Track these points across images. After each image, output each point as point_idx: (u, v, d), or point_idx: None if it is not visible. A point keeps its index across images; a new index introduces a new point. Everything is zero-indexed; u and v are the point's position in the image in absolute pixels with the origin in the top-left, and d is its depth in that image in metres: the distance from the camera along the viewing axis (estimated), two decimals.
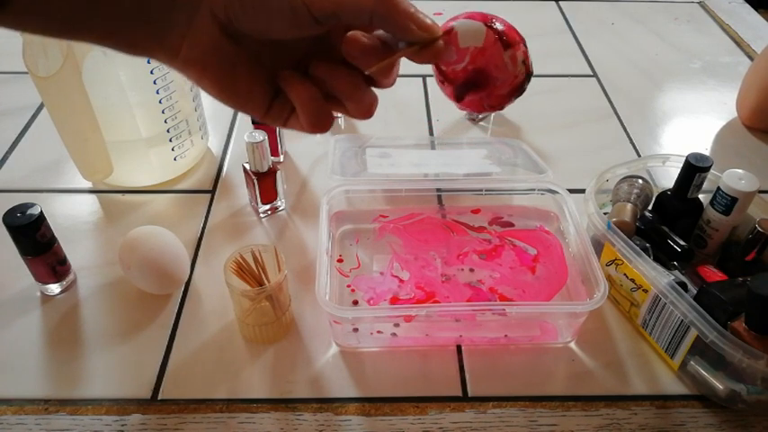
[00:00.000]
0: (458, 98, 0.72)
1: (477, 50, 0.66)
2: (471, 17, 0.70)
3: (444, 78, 0.72)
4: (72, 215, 0.68)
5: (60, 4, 0.31)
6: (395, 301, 0.58)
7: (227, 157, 0.77)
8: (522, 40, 0.71)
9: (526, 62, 0.71)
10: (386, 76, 0.35)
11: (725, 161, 0.78)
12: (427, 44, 0.33)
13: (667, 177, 0.70)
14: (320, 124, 0.36)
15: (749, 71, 0.84)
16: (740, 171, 0.57)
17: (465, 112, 0.83)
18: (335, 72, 0.35)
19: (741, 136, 0.84)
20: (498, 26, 0.69)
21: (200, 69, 0.34)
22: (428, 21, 0.33)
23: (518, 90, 0.72)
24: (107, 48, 0.33)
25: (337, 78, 0.35)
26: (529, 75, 0.73)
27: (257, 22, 0.32)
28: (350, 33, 0.34)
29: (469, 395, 0.52)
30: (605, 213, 0.62)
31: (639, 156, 0.79)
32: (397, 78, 0.38)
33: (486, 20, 0.69)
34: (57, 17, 0.31)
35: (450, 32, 0.33)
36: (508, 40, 0.69)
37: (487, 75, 0.68)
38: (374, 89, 0.36)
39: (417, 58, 0.34)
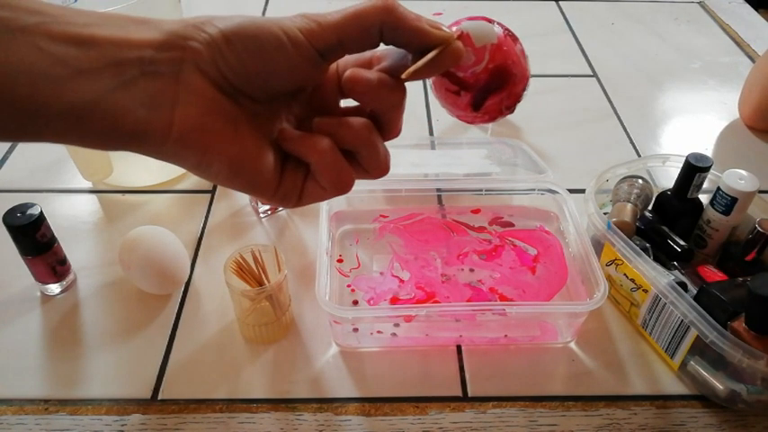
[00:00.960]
0: (477, 105, 0.69)
1: (494, 47, 0.64)
2: (472, 19, 0.69)
3: (462, 86, 0.68)
4: (72, 215, 0.68)
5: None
6: (395, 301, 0.58)
7: None
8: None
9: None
10: (390, 125, 0.32)
11: (726, 161, 0.78)
12: (446, 46, 0.30)
13: (667, 177, 0.70)
14: (342, 180, 0.31)
15: (752, 71, 0.84)
16: (740, 171, 0.57)
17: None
18: (342, 122, 0.31)
19: (742, 136, 0.83)
20: (501, 24, 0.69)
21: (203, 139, 0.29)
22: (438, 23, 0.30)
23: (527, 87, 0.72)
24: (81, 146, 0.28)
25: (346, 128, 0.31)
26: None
27: (255, 69, 0.29)
28: (348, 72, 0.30)
29: (469, 395, 0.52)
30: (605, 213, 0.62)
31: (639, 156, 0.79)
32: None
33: (487, 18, 0.69)
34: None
35: (462, 35, 0.30)
36: (512, 35, 0.69)
37: (508, 71, 0.66)
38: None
39: (438, 64, 0.30)
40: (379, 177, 0.33)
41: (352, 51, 0.30)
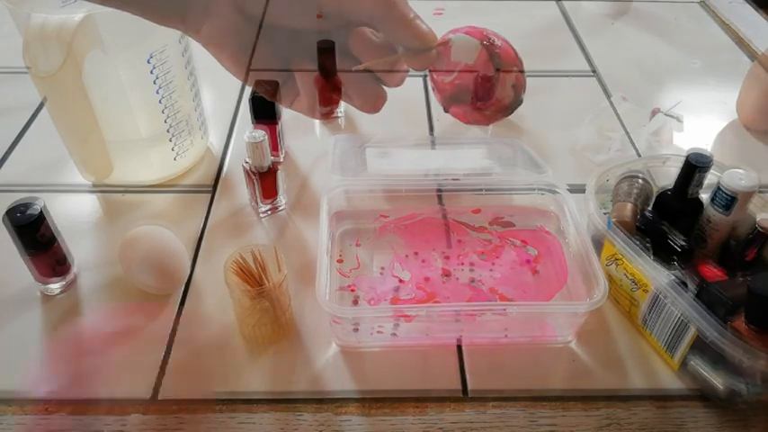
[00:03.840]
0: (444, 108, 0.74)
1: (467, 67, 0.66)
2: (471, 33, 0.69)
3: (435, 86, 0.73)
4: (72, 214, 0.68)
5: None
6: (395, 300, 0.58)
7: (228, 155, 0.77)
8: (518, 64, 0.71)
9: (516, 87, 0.70)
10: (386, 74, 0.37)
11: (725, 161, 0.78)
12: (420, 51, 0.34)
13: (667, 177, 0.70)
14: (315, 111, 0.39)
15: (749, 73, 0.84)
16: (740, 170, 0.57)
17: None
18: (344, 65, 0.37)
19: (741, 136, 0.83)
20: (496, 47, 0.69)
21: (219, 47, 0.38)
22: (424, 28, 0.34)
23: (503, 111, 0.73)
24: (144, 18, 0.37)
25: (342, 74, 0.38)
26: (518, 100, 0.72)
27: (267, 12, 0.36)
28: (359, 28, 0.36)
29: (470, 395, 0.52)
30: (605, 213, 0.62)
31: (639, 156, 0.78)
32: None
33: (485, 38, 0.69)
34: None
35: (445, 44, 0.37)
36: (501, 62, 0.69)
37: (473, 93, 0.69)
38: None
39: (408, 63, 0.36)
40: (368, 113, 0.40)
41: (352, 21, 0.35)
